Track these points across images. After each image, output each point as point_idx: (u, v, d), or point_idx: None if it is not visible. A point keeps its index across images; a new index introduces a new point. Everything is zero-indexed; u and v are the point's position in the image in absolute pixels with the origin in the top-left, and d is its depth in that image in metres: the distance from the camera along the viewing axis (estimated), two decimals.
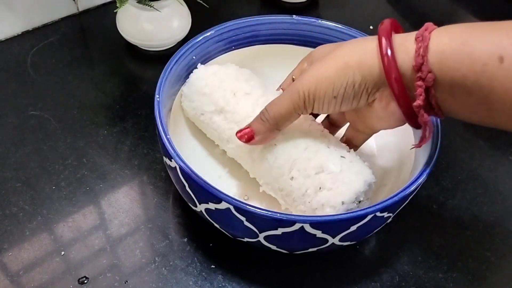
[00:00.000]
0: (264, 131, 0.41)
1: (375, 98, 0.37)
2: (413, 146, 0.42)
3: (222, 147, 0.48)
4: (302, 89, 0.38)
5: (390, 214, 0.40)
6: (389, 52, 0.35)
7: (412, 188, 0.39)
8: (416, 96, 0.35)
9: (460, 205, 0.51)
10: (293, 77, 0.46)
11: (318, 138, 0.43)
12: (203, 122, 0.47)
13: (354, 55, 0.37)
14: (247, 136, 0.41)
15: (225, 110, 0.45)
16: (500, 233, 0.49)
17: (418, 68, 0.34)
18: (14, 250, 0.45)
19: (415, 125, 0.38)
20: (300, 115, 0.40)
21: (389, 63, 0.35)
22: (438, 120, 0.44)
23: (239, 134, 0.42)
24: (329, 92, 0.37)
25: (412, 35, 0.35)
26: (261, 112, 0.41)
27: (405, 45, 0.35)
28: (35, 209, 0.47)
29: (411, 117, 0.37)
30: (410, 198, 0.41)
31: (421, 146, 0.40)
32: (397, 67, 0.35)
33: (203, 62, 0.50)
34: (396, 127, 0.40)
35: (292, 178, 0.41)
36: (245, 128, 0.42)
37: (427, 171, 0.40)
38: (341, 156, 0.42)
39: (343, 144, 0.44)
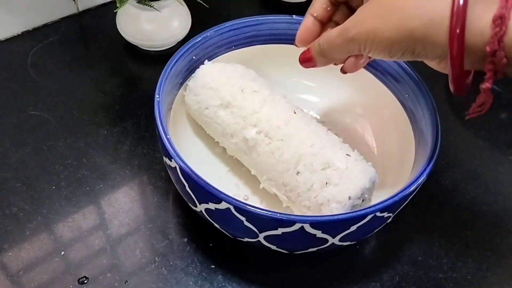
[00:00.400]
0: (321, 63, 0.41)
1: (433, 61, 0.37)
2: (467, 117, 0.38)
3: (223, 144, 0.48)
4: (358, 39, 0.37)
5: (390, 214, 0.40)
6: (457, 30, 0.32)
7: (412, 188, 0.39)
8: (485, 79, 0.33)
9: (460, 205, 0.51)
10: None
11: (324, 137, 0.43)
12: (207, 117, 0.47)
13: (421, 24, 0.33)
14: (308, 60, 0.42)
15: (232, 105, 0.45)
16: (500, 233, 0.49)
17: (492, 53, 0.32)
18: (14, 250, 0.45)
19: (459, 90, 0.36)
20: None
21: (458, 49, 0.32)
22: (438, 120, 0.44)
23: (301, 57, 0.42)
24: (385, 52, 0.36)
25: (489, 12, 0.32)
26: (319, 43, 0.40)
27: (479, 26, 0.32)
28: (35, 209, 0.47)
29: (459, 81, 0.35)
30: (410, 198, 0.41)
31: (474, 117, 0.37)
32: (463, 53, 0.33)
33: (203, 62, 0.50)
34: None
35: (298, 173, 0.41)
36: (307, 52, 0.42)
37: (427, 171, 0.40)
38: (347, 154, 0.42)
39: (347, 145, 0.44)
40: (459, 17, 0.32)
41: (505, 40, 0.31)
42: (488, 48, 0.32)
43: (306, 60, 0.42)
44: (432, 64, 0.38)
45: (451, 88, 0.36)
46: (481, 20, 0.32)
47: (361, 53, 0.38)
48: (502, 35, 0.31)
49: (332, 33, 0.39)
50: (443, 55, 0.34)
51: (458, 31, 0.32)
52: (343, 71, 0.44)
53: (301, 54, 0.42)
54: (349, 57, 0.42)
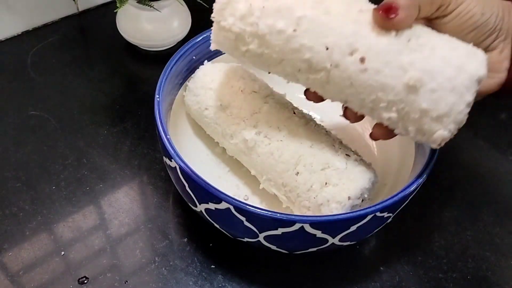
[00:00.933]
0: (407, 6, 0.34)
1: (496, 47, 0.37)
2: None
3: (222, 144, 0.48)
4: None
5: (390, 214, 0.40)
6: None
7: (412, 188, 0.39)
8: None
9: (460, 205, 0.51)
10: None
11: (323, 137, 0.43)
12: (206, 117, 0.47)
13: None
14: (389, 7, 0.34)
15: (231, 105, 0.45)
16: (500, 233, 0.49)
17: None
18: (14, 250, 0.45)
19: (509, 88, 0.38)
20: (431, 11, 0.35)
21: None
22: None
23: (378, 9, 0.34)
24: (480, 5, 0.36)
25: None
26: None
27: None
28: (35, 209, 0.47)
29: None
30: (410, 198, 0.41)
31: None
32: None
33: (203, 62, 0.50)
34: (487, 92, 0.39)
35: (297, 173, 0.41)
36: (388, 2, 0.34)
37: (427, 171, 0.40)
38: (346, 155, 0.42)
39: (347, 145, 0.44)
40: None
41: None
42: None
43: (389, 7, 0.34)
44: (494, 56, 0.38)
45: (507, 85, 0.38)
46: None
47: (450, 4, 0.36)
48: None
49: None
50: (510, 36, 0.36)
51: None
52: (373, 137, 0.40)
53: (376, 9, 0.34)
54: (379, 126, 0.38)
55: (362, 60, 0.34)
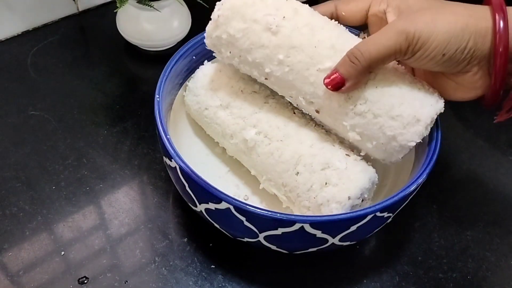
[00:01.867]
0: (355, 74, 0.37)
1: (470, 71, 0.38)
2: (496, 119, 0.41)
3: (222, 144, 0.48)
4: (414, 32, 0.35)
5: (390, 214, 0.40)
6: (501, 25, 0.35)
7: (412, 188, 0.39)
8: None
9: (460, 205, 0.51)
10: (337, 14, 0.43)
11: (323, 137, 0.43)
12: (206, 117, 0.47)
13: (472, 19, 0.36)
14: (336, 82, 0.37)
15: (231, 105, 0.45)
16: (500, 233, 0.49)
17: None
18: (14, 250, 0.45)
19: (494, 102, 0.38)
20: (393, 59, 0.38)
21: (500, 37, 0.35)
22: (438, 121, 0.44)
23: (326, 81, 0.38)
24: (441, 48, 0.36)
25: None
26: (350, 53, 0.37)
27: None
28: (35, 209, 0.47)
29: (497, 93, 0.37)
30: (410, 198, 0.41)
31: (503, 120, 0.40)
32: (508, 41, 0.35)
33: (203, 62, 0.49)
34: (463, 100, 0.40)
35: (297, 173, 0.41)
36: (332, 74, 0.38)
37: (427, 171, 0.40)
38: (346, 154, 0.42)
39: (346, 144, 0.44)
40: (501, 39, 0.35)
41: None
42: None
43: (336, 82, 0.38)
44: (467, 79, 0.38)
45: (488, 101, 0.39)
46: None
47: (408, 53, 0.37)
48: None
49: (371, 36, 0.37)
50: (487, 57, 0.36)
51: (501, 50, 0.35)
52: None
53: (326, 78, 0.38)
54: None
55: (317, 111, 0.42)
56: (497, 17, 0.35)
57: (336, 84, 0.38)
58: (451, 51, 0.36)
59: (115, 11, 0.58)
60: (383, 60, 0.37)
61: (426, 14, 0.36)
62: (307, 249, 0.41)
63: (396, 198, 0.38)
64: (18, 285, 0.42)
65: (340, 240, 0.39)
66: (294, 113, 0.45)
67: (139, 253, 0.45)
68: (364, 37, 0.44)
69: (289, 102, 0.47)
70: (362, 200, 0.41)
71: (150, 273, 0.44)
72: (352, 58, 0.37)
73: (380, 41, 0.36)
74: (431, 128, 0.44)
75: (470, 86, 0.39)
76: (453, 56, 0.36)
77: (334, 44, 0.39)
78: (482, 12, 0.36)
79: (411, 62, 0.38)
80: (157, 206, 0.49)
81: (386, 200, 0.38)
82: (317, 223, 0.37)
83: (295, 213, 0.44)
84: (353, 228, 0.38)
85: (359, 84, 0.38)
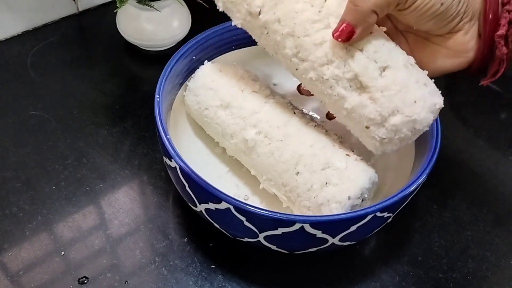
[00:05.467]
0: (363, 18, 0.35)
1: (462, 29, 0.38)
2: (482, 82, 0.40)
3: (223, 144, 0.48)
4: None
5: (390, 214, 0.40)
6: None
7: (412, 188, 0.39)
8: (499, 26, 0.37)
9: (460, 205, 0.51)
10: None
11: (323, 137, 0.43)
12: (206, 117, 0.47)
13: None
14: (347, 32, 0.36)
15: (231, 105, 0.45)
16: (500, 233, 0.49)
17: (508, 1, 0.36)
18: (14, 250, 0.45)
19: (482, 65, 0.39)
20: (394, 6, 0.36)
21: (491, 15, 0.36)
22: (438, 120, 0.44)
23: (336, 34, 0.36)
24: (436, 3, 0.36)
25: None
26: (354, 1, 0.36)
27: None
28: (35, 209, 0.47)
29: (487, 53, 0.38)
30: (410, 198, 0.41)
31: (489, 83, 0.39)
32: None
33: (203, 62, 0.50)
34: (455, 70, 0.40)
35: (297, 173, 0.41)
36: (340, 25, 0.36)
37: (427, 171, 0.40)
38: (346, 154, 0.42)
39: (347, 145, 0.44)
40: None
41: None
42: None
43: (342, 31, 0.36)
44: (459, 38, 0.38)
45: (476, 66, 0.39)
46: None
47: (408, 0, 0.36)
48: None
49: None
50: (477, 14, 0.37)
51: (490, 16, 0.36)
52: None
53: (334, 32, 0.37)
54: None
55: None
56: None
57: (348, 34, 0.36)
58: (448, 1, 0.36)
59: (115, 11, 0.58)
60: (385, 3, 0.36)
61: None
62: (307, 249, 0.41)
63: (396, 198, 0.38)
64: (18, 285, 0.42)
65: (340, 240, 0.39)
66: (294, 113, 0.45)
67: (139, 253, 0.45)
68: None
69: (289, 102, 0.47)
70: (362, 200, 0.41)
71: (150, 273, 0.44)
72: (353, 3, 0.36)
73: None
74: (431, 128, 0.44)
75: (461, 48, 0.39)
76: (450, 7, 0.37)
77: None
78: None
79: (409, 13, 0.37)
80: (157, 206, 0.49)
81: (386, 200, 0.38)
82: (317, 223, 0.37)
83: (295, 213, 0.44)
84: (353, 228, 0.38)
85: (369, 29, 0.37)
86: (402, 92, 0.37)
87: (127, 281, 0.43)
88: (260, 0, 0.39)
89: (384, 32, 0.40)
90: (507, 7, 0.36)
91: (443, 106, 0.39)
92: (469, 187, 0.53)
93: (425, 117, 0.38)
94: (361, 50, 0.37)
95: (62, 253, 0.45)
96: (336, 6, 0.38)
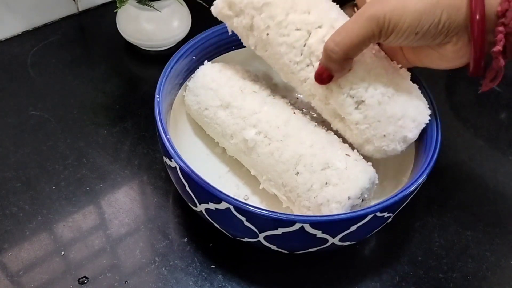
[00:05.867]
0: (337, 66, 0.38)
1: (450, 41, 0.37)
2: (481, 91, 0.40)
3: (222, 144, 0.48)
4: (384, 15, 0.36)
5: (390, 214, 0.40)
6: (479, 22, 0.35)
7: (412, 188, 0.39)
8: (496, 42, 0.35)
9: (460, 205, 0.51)
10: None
11: (323, 137, 0.43)
12: (206, 117, 0.47)
13: None
14: (326, 77, 0.39)
15: (231, 105, 0.45)
16: (500, 233, 0.49)
17: (503, 13, 0.34)
18: (14, 250, 0.45)
19: (477, 71, 0.38)
20: (369, 45, 0.38)
21: (476, 4, 0.34)
22: (438, 120, 0.44)
23: (317, 79, 0.40)
24: (413, 27, 0.36)
25: None
26: (326, 47, 0.38)
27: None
28: (35, 209, 0.47)
29: (479, 63, 0.37)
30: (410, 198, 0.41)
31: (487, 90, 0.39)
32: (484, 8, 0.34)
33: (203, 62, 0.49)
34: (451, 68, 0.40)
35: (297, 173, 0.41)
36: (319, 70, 0.39)
37: (427, 171, 0.40)
38: (346, 154, 0.42)
39: (346, 144, 0.44)
40: (477, 6, 0.34)
41: None
42: (499, 8, 0.34)
43: (320, 74, 0.40)
44: (448, 49, 0.38)
45: (471, 70, 0.38)
46: None
47: (381, 37, 0.37)
48: None
49: (343, 25, 0.38)
50: (464, 27, 0.36)
51: (478, 17, 0.34)
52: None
53: (315, 76, 0.40)
54: None
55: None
56: None
57: (327, 79, 0.40)
58: (424, 28, 0.36)
59: (115, 11, 0.58)
60: (358, 47, 0.38)
61: None
62: (307, 249, 0.41)
63: (396, 198, 0.38)
64: (18, 285, 0.42)
65: (340, 240, 0.39)
66: (294, 113, 0.45)
67: (139, 253, 0.45)
68: (354, 10, 0.45)
69: (289, 102, 0.47)
70: (362, 200, 0.41)
71: (150, 273, 0.44)
72: (329, 52, 0.38)
73: (353, 29, 0.37)
74: (431, 128, 0.44)
75: (454, 55, 0.38)
76: (427, 32, 0.36)
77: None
78: None
79: (388, 43, 0.38)
80: (157, 206, 0.49)
81: (386, 200, 0.38)
82: (317, 223, 0.37)
83: (295, 213, 0.44)
84: (353, 228, 0.38)
85: (345, 71, 0.40)
86: (372, 127, 0.41)
87: (127, 281, 0.43)
88: (253, 40, 0.44)
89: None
90: (502, 20, 0.34)
91: (415, 138, 0.43)
92: (469, 187, 0.53)
93: (394, 148, 0.42)
94: (339, 86, 0.41)
95: (62, 253, 0.45)
96: (317, 44, 0.41)
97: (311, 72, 0.41)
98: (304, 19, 0.41)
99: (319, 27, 0.41)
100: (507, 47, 0.35)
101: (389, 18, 0.36)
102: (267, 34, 0.42)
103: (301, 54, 0.42)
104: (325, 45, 0.38)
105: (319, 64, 0.40)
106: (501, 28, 0.34)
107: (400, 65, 0.43)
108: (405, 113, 0.41)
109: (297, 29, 0.41)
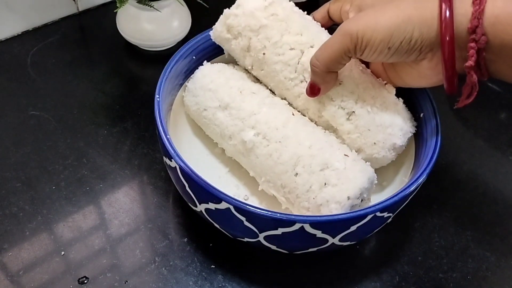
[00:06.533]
0: (321, 79, 0.41)
1: (425, 58, 0.38)
2: (456, 106, 0.41)
3: (221, 145, 0.48)
4: (357, 32, 0.38)
5: (390, 214, 0.40)
6: (447, 13, 0.35)
7: (412, 188, 0.39)
8: (468, 57, 0.36)
9: (460, 205, 0.51)
10: (329, 14, 0.48)
11: (322, 137, 0.43)
12: (205, 118, 0.47)
13: (417, 11, 0.37)
14: (314, 90, 0.42)
15: (230, 106, 0.45)
16: (500, 233, 0.49)
17: (473, 30, 0.35)
18: (14, 250, 0.45)
19: (452, 89, 0.39)
20: (350, 58, 0.40)
21: (446, 25, 0.35)
22: (438, 120, 0.44)
23: (307, 92, 0.43)
24: (385, 42, 0.37)
25: None
26: (311, 62, 0.41)
27: (463, 7, 0.35)
28: (35, 209, 0.47)
29: (451, 80, 0.38)
30: (410, 198, 0.41)
31: (463, 106, 0.40)
32: (453, 29, 0.35)
33: (203, 63, 0.49)
34: (431, 86, 0.41)
35: (296, 174, 0.41)
36: (309, 85, 0.43)
37: (427, 171, 0.40)
38: (345, 155, 0.42)
39: (345, 145, 0.44)
40: (447, 27, 0.35)
41: (484, 16, 0.34)
42: (469, 25, 0.35)
43: (309, 88, 0.43)
44: (424, 65, 0.39)
45: (445, 88, 0.39)
46: (463, 3, 0.35)
47: (357, 51, 0.39)
48: (481, 11, 0.34)
49: (326, 40, 0.41)
50: (437, 44, 0.37)
51: (447, 38, 0.36)
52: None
53: (306, 90, 0.44)
54: None
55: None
56: (443, 6, 0.36)
57: (315, 92, 0.43)
58: (396, 44, 0.37)
59: (115, 11, 0.58)
60: (336, 61, 0.40)
61: (370, 13, 0.38)
62: (307, 249, 0.41)
63: (396, 198, 0.38)
64: (18, 285, 0.42)
65: (340, 240, 0.39)
66: (293, 114, 0.45)
67: (139, 253, 0.45)
68: None
69: (288, 103, 0.47)
70: (362, 200, 0.41)
71: (150, 273, 0.44)
72: (312, 66, 0.41)
73: (330, 45, 0.40)
74: (431, 129, 0.44)
75: (431, 72, 0.39)
76: (400, 48, 0.37)
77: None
78: (429, 3, 0.37)
79: (364, 58, 0.40)
80: (157, 206, 0.49)
81: (386, 200, 0.38)
82: (317, 223, 0.37)
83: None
84: (353, 228, 0.38)
85: (330, 84, 0.43)
86: (363, 136, 0.44)
87: (127, 281, 0.43)
88: (250, 60, 0.47)
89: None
90: (473, 36, 0.35)
91: (404, 144, 0.45)
92: (469, 187, 0.53)
93: (385, 155, 0.44)
94: (331, 99, 0.44)
95: (62, 253, 0.45)
96: (309, 62, 0.43)
97: (304, 88, 0.45)
98: (297, 40, 0.45)
99: (311, 46, 0.45)
100: (480, 63, 0.36)
101: (362, 34, 0.38)
102: (264, 54, 0.45)
103: (295, 71, 0.45)
104: (310, 61, 0.41)
105: (309, 82, 0.43)
106: (472, 44, 0.35)
107: (385, 82, 0.46)
108: (393, 122, 0.44)
109: (291, 49, 0.45)
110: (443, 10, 0.35)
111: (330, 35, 0.46)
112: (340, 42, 0.39)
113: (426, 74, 0.40)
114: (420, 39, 0.37)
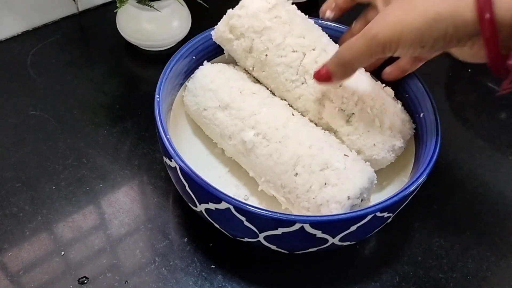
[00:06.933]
0: (339, 74, 0.40)
1: (465, 45, 0.36)
2: (499, 92, 0.39)
3: (221, 145, 0.48)
4: (383, 36, 0.36)
5: (390, 214, 0.40)
6: (488, 8, 0.32)
7: (412, 188, 0.39)
8: (511, 55, 0.33)
9: (460, 205, 0.51)
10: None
11: (322, 137, 0.43)
12: (205, 118, 0.47)
13: (447, 5, 0.34)
14: (324, 77, 0.41)
15: (230, 106, 0.45)
16: (500, 233, 0.49)
17: None
18: (14, 250, 0.45)
19: (496, 72, 0.36)
20: (374, 59, 0.39)
21: (488, 21, 0.32)
22: (438, 120, 0.44)
23: (315, 75, 0.42)
24: (416, 42, 0.35)
25: None
26: (337, 53, 0.40)
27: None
28: (35, 209, 0.47)
29: (495, 63, 0.35)
30: (410, 198, 0.41)
31: (504, 93, 0.38)
32: (495, 23, 0.33)
33: (203, 63, 0.49)
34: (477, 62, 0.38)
35: (296, 174, 0.41)
36: (321, 69, 0.41)
37: (427, 171, 0.40)
38: (345, 155, 0.42)
39: (345, 145, 0.44)
40: (486, 4, 0.32)
41: None
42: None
43: (322, 76, 0.41)
44: (466, 51, 0.37)
45: (492, 71, 0.36)
46: None
47: (386, 53, 0.37)
48: None
49: (352, 38, 0.38)
50: (475, 35, 0.34)
51: (488, 15, 0.32)
52: (387, 77, 0.47)
53: (315, 72, 0.42)
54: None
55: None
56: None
57: (325, 79, 0.41)
58: (429, 43, 0.35)
59: (115, 11, 0.58)
60: (360, 62, 0.39)
61: (395, 11, 0.36)
62: (307, 249, 0.41)
63: (396, 198, 0.38)
64: (18, 285, 0.42)
65: (340, 240, 0.39)
66: (293, 114, 0.45)
67: (139, 253, 0.45)
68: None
69: (288, 103, 0.47)
70: (362, 200, 0.41)
71: (150, 273, 0.44)
72: (338, 60, 0.40)
73: (356, 46, 0.38)
74: (431, 129, 0.44)
75: (474, 56, 0.37)
76: (434, 44, 0.35)
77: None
78: None
79: (397, 55, 0.38)
80: (157, 206, 0.49)
81: (386, 200, 0.38)
82: (317, 223, 0.37)
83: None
84: (353, 228, 0.38)
85: (344, 79, 0.42)
86: (363, 137, 0.44)
87: (127, 281, 0.43)
88: (251, 61, 0.47)
89: None
90: None
91: (403, 146, 0.45)
92: (469, 187, 0.53)
93: (384, 156, 0.45)
94: (331, 101, 0.44)
95: (62, 253, 0.45)
96: (310, 64, 0.45)
97: (305, 90, 0.45)
98: (299, 42, 0.45)
99: (313, 49, 0.45)
100: None
101: (389, 40, 0.36)
102: (266, 55, 0.45)
103: (297, 73, 0.45)
104: (337, 51, 0.40)
105: (324, 63, 0.41)
106: None
107: (384, 84, 0.47)
108: (392, 123, 0.45)
109: (293, 51, 0.45)
110: (481, 4, 0.32)
111: (331, 40, 0.47)
112: (366, 46, 0.37)
113: (469, 57, 0.37)
114: (456, 33, 0.34)
